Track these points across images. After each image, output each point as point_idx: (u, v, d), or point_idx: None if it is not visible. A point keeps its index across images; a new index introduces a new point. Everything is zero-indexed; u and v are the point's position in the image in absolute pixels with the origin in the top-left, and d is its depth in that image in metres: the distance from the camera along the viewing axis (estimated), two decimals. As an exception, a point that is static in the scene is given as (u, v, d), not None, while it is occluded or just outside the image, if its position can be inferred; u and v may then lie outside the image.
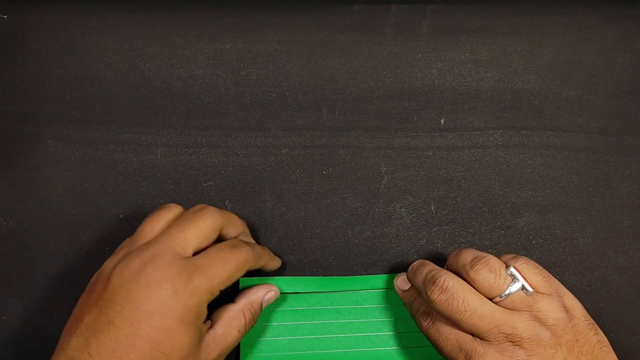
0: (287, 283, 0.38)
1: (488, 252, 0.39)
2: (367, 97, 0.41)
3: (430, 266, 0.34)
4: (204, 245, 0.32)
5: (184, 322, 0.29)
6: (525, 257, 0.33)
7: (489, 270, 0.31)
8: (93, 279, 0.32)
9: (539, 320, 0.30)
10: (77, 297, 0.30)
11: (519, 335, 0.30)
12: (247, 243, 0.34)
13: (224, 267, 0.31)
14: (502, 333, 0.30)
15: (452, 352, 0.31)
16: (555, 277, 0.33)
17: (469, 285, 0.32)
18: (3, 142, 0.40)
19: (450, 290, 0.31)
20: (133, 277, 0.29)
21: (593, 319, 0.32)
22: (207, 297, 0.31)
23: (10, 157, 0.40)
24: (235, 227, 0.34)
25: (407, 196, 0.39)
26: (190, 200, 0.39)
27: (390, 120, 0.40)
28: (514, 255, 0.33)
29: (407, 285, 0.36)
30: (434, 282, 0.32)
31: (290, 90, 0.41)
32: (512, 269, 0.32)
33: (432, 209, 0.40)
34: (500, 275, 0.31)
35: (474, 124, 0.40)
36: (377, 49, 0.41)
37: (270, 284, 0.36)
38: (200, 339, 0.30)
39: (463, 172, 0.40)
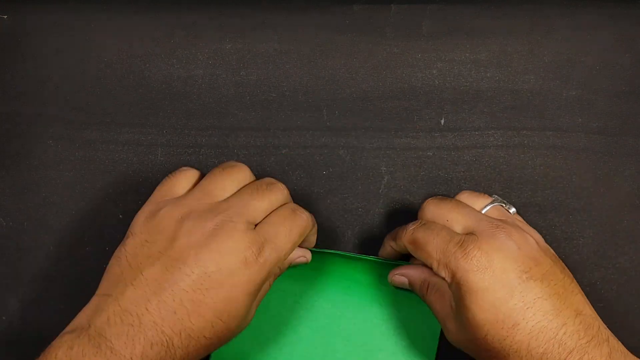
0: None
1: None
2: (367, 97, 0.41)
3: None
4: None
5: (250, 295, 0.29)
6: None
7: (472, 193, 0.35)
8: (143, 219, 0.30)
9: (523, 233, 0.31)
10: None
11: (509, 227, 0.30)
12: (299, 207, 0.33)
13: (290, 237, 0.31)
14: (493, 223, 0.31)
15: (441, 244, 0.30)
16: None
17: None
18: (3, 142, 0.40)
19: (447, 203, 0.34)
20: (204, 240, 0.28)
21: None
22: (275, 272, 0.31)
23: (10, 157, 0.40)
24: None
25: (407, 196, 0.39)
26: (190, 200, 0.39)
27: (390, 120, 0.40)
28: None
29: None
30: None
31: (290, 90, 0.41)
32: (495, 196, 0.35)
33: (432, 209, 0.39)
34: (480, 195, 0.35)
35: (474, 124, 0.40)
36: (377, 49, 0.41)
37: (305, 249, 0.35)
38: (256, 307, 0.31)
39: (463, 172, 0.40)
